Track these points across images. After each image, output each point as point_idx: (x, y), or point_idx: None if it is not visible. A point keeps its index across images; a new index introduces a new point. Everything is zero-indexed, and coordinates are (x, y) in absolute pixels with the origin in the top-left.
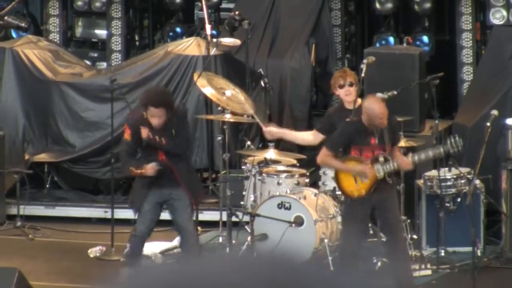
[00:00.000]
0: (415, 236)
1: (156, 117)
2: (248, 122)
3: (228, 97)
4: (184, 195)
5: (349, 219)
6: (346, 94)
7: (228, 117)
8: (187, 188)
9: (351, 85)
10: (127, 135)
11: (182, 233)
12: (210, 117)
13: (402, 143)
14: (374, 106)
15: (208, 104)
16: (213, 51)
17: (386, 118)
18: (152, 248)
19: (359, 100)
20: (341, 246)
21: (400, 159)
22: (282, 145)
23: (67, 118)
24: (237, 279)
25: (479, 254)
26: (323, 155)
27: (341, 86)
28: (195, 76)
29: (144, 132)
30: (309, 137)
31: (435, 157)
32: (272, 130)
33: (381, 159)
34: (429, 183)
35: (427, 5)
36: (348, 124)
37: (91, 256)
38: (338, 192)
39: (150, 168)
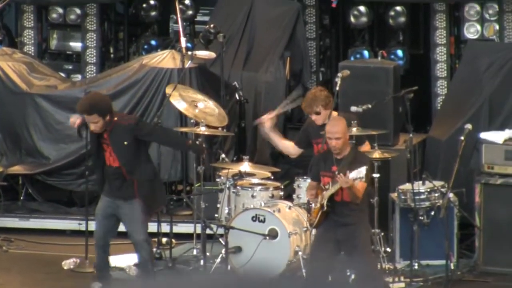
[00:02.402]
0: (388, 249)
1: (91, 123)
2: (222, 135)
3: (201, 109)
4: (135, 207)
5: (315, 242)
6: (314, 119)
7: (203, 129)
8: (139, 203)
9: (317, 113)
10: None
11: (135, 246)
12: (185, 129)
13: (377, 155)
14: (328, 126)
15: (183, 117)
16: (188, 64)
17: (335, 140)
18: (126, 260)
19: (334, 114)
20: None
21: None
22: (256, 158)
23: (41, 130)
24: None
25: (452, 267)
26: (308, 188)
27: (309, 113)
28: (168, 90)
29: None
30: (290, 148)
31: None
32: (267, 125)
33: (327, 186)
34: (403, 196)
35: (402, 19)
36: (321, 152)
37: (65, 268)
38: (312, 205)
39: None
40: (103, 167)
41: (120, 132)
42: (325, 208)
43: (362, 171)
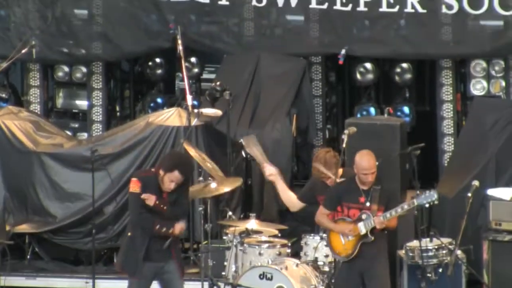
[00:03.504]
0: None
1: (175, 182)
2: (229, 192)
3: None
4: (176, 268)
5: (339, 284)
6: (329, 183)
7: (213, 186)
8: (178, 261)
9: (327, 177)
10: (136, 187)
11: None
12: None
13: None
14: (361, 160)
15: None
16: (194, 122)
17: (372, 175)
18: None
19: (340, 171)
20: None
21: (375, 217)
22: (263, 215)
23: (47, 188)
24: None
25: None
26: (319, 213)
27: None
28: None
29: (151, 200)
30: (293, 200)
31: (409, 210)
32: (272, 170)
33: (364, 216)
34: (410, 253)
35: (408, 76)
36: (340, 182)
37: None
38: (320, 263)
39: (179, 227)
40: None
41: (174, 190)
42: (371, 239)
43: (397, 210)
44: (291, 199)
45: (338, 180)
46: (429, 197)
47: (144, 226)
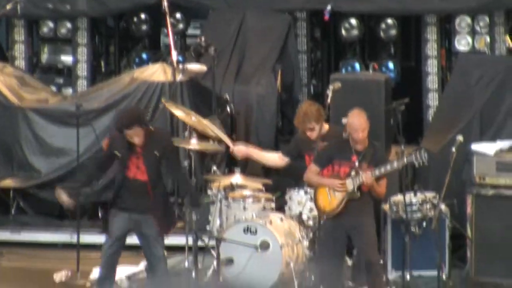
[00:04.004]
0: (381, 261)
1: (134, 136)
2: (214, 148)
3: (197, 121)
4: (153, 223)
5: (324, 241)
6: (309, 135)
7: (194, 142)
8: (157, 219)
9: (311, 129)
10: (104, 145)
11: (152, 259)
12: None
13: None
14: (353, 119)
15: (174, 130)
16: (179, 77)
17: (363, 133)
18: (118, 272)
19: (326, 126)
20: (319, 270)
21: (365, 173)
22: (248, 170)
23: (32, 143)
24: None
25: (444, 278)
26: (308, 171)
27: (303, 130)
28: (163, 101)
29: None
30: (275, 158)
31: (398, 168)
32: (241, 148)
33: (353, 173)
34: (394, 208)
35: (393, 32)
36: (334, 141)
37: (57, 281)
38: (304, 217)
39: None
40: (123, 181)
41: (154, 144)
42: (357, 195)
43: (387, 168)
44: (273, 160)
45: (322, 133)
46: (420, 157)
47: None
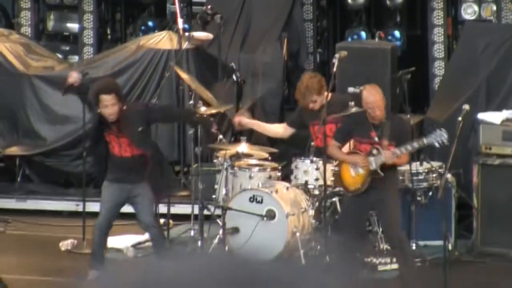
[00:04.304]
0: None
1: (109, 105)
2: (220, 115)
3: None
4: (146, 191)
5: (346, 214)
6: (311, 107)
7: (202, 110)
8: (152, 186)
9: (313, 102)
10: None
11: (147, 230)
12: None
13: None
14: (367, 94)
15: (180, 98)
16: (185, 45)
17: (378, 109)
18: (123, 241)
19: (328, 95)
20: (339, 239)
21: (385, 151)
22: (254, 139)
23: (38, 111)
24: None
25: (450, 248)
26: (331, 146)
27: (305, 104)
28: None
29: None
30: (279, 129)
31: (419, 148)
32: (242, 120)
33: (374, 151)
34: (400, 177)
35: (399, 0)
36: (350, 115)
37: (63, 249)
38: (310, 186)
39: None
40: (107, 158)
41: (133, 119)
42: (381, 174)
43: (407, 148)
44: (277, 131)
45: (323, 103)
46: (439, 136)
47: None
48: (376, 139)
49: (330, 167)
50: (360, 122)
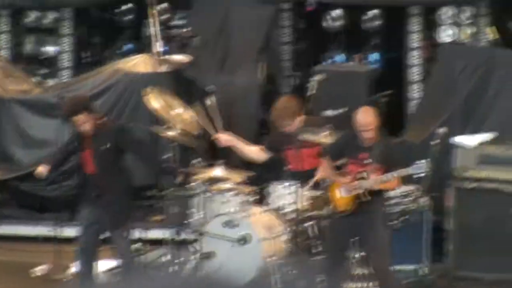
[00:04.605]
0: (362, 254)
1: (82, 124)
2: (196, 141)
3: (178, 114)
4: (108, 218)
5: (331, 233)
6: (285, 129)
7: (175, 134)
8: (111, 211)
9: (287, 124)
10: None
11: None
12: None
13: None
14: (360, 117)
15: (158, 121)
16: (163, 68)
17: (369, 131)
18: (98, 267)
19: (303, 118)
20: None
21: (371, 176)
22: (229, 163)
23: (14, 135)
24: None
25: (424, 272)
26: (323, 163)
27: (280, 126)
28: (146, 92)
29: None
30: (256, 152)
31: (403, 175)
32: (224, 137)
33: (363, 174)
34: None
35: (377, 23)
36: (342, 134)
37: (37, 274)
38: (285, 210)
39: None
40: (85, 175)
41: (104, 136)
42: (367, 198)
43: (393, 175)
44: (255, 153)
45: (298, 126)
46: (422, 167)
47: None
48: (365, 161)
49: (305, 191)
50: (351, 142)
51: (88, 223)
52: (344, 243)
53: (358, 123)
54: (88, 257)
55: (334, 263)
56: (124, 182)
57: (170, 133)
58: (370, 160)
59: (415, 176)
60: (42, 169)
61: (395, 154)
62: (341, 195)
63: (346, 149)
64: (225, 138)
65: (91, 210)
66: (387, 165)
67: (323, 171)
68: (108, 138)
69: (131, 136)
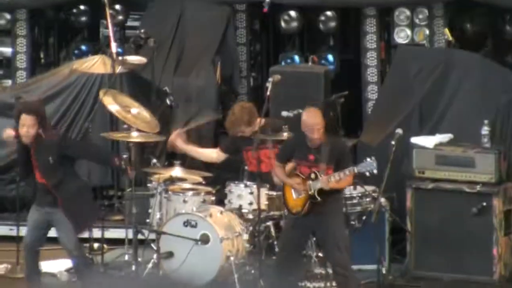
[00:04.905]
0: (320, 254)
1: (25, 126)
2: (154, 141)
3: (134, 115)
4: (63, 217)
5: (285, 235)
6: (239, 135)
7: (135, 135)
8: (68, 211)
9: (242, 132)
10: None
11: (69, 256)
12: (117, 135)
13: None
14: (307, 118)
15: (114, 122)
16: (118, 69)
17: (317, 132)
18: (57, 266)
19: (262, 120)
20: (276, 257)
21: (322, 177)
22: (188, 163)
23: None
24: None
25: (384, 271)
26: (274, 165)
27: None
28: (101, 94)
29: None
30: (212, 154)
31: (351, 174)
32: (177, 142)
33: (313, 175)
34: None
35: (332, 24)
36: (291, 136)
37: None
38: (244, 210)
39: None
40: (34, 179)
41: (45, 149)
42: (318, 199)
43: (346, 173)
44: (211, 156)
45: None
46: (369, 165)
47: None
48: (314, 162)
49: (264, 191)
50: (299, 144)
51: (35, 225)
52: (298, 244)
53: (303, 123)
54: (34, 258)
55: (288, 264)
56: (75, 189)
57: (131, 134)
58: (319, 160)
59: (367, 174)
60: (9, 132)
61: (344, 154)
62: (295, 196)
63: (295, 151)
64: (176, 144)
65: (39, 211)
66: (336, 165)
67: (274, 175)
68: (50, 151)
69: (75, 143)
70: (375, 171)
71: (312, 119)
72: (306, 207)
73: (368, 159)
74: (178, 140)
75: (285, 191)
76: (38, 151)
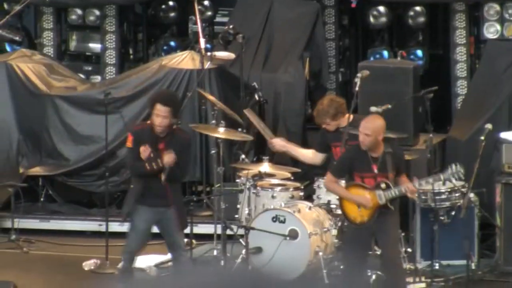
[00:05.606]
0: (409, 250)
1: (160, 116)
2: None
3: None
4: (173, 216)
5: (351, 246)
6: (325, 127)
7: (221, 131)
8: (177, 210)
9: (326, 124)
10: (129, 143)
11: (174, 251)
12: (204, 131)
13: None
14: (362, 122)
15: (202, 118)
16: (207, 65)
17: (363, 135)
18: (146, 261)
19: (350, 116)
20: (342, 272)
21: (406, 185)
22: (276, 158)
23: (61, 131)
24: None
25: (473, 267)
26: (328, 181)
27: (320, 124)
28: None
29: (145, 152)
30: (310, 155)
31: (435, 183)
32: (279, 142)
33: (383, 185)
34: (423, 197)
35: (421, 19)
36: (348, 149)
37: (86, 269)
38: (333, 206)
39: (167, 157)
40: (147, 177)
41: (176, 143)
42: (392, 208)
43: (427, 181)
44: (310, 157)
45: (342, 125)
46: (456, 172)
47: (139, 174)
48: (379, 171)
49: None
50: (359, 155)
51: (146, 226)
52: (364, 250)
53: (360, 127)
54: (134, 257)
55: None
56: (179, 184)
57: (219, 130)
58: (384, 170)
59: (454, 182)
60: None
61: (402, 161)
62: (357, 208)
63: (355, 164)
64: (279, 144)
65: (150, 212)
66: (397, 172)
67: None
68: (177, 147)
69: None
70: (462, 177)
71: (364, 122)
72: (374, 217)
73: (454, 166)
74: (279, 141)
75: (345, 204)
76: (169, 145)
